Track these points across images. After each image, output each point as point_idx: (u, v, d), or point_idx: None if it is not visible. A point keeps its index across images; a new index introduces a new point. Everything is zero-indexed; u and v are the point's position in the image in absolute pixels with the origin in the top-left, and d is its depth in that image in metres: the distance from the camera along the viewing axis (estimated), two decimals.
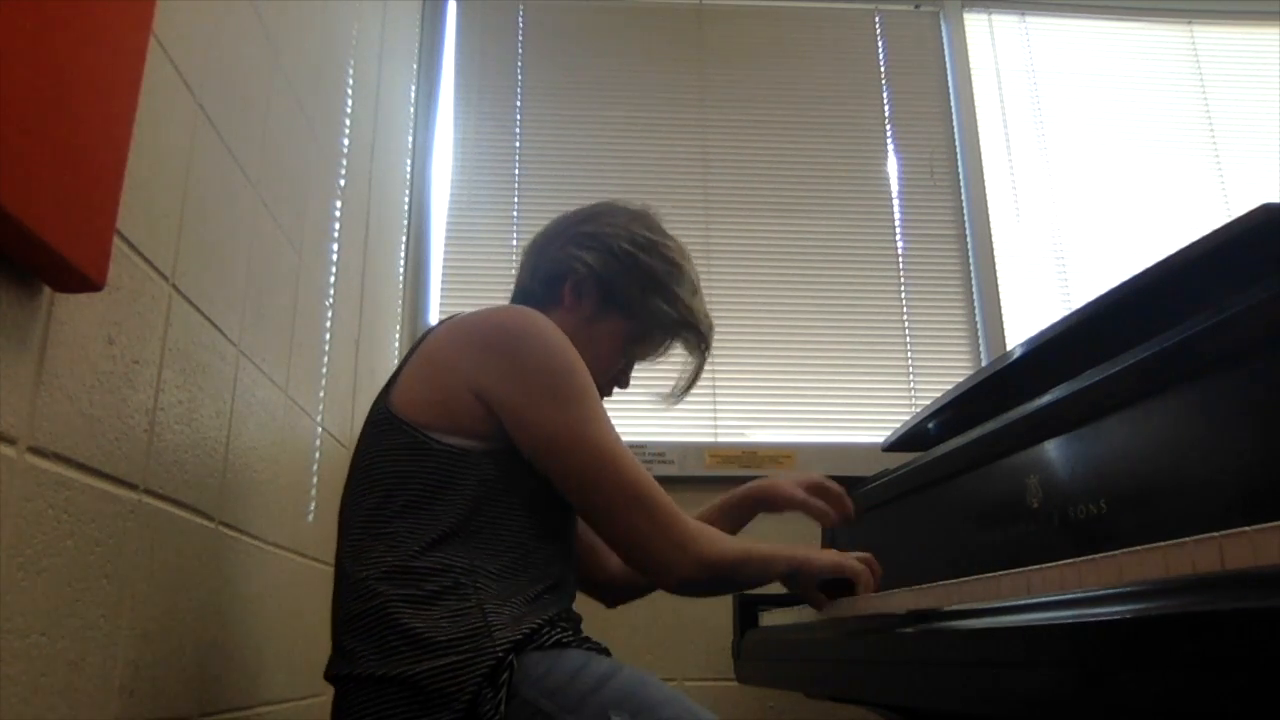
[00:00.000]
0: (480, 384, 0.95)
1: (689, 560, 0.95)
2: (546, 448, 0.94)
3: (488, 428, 0.95)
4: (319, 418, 1.46)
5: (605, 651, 0.95)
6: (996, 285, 2.33)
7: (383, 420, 0.98)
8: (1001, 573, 0.78)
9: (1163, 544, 0.59)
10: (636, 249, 1.11)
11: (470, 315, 1.02)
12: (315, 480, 1.44)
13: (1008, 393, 1.11)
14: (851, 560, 1.12)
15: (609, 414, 0.99)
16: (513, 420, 0.95)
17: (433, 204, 2.31)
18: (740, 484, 1.27)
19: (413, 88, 2.30)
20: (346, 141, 1.61)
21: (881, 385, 2.26)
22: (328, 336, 1.51)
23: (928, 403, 1.46)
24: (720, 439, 2.17)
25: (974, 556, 1.11)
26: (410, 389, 0.98)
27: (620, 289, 1.11)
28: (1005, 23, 2.58)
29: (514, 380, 0.95)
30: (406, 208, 2.23)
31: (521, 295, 1.16)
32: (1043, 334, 1.10)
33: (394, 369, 1.05)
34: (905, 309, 2.32)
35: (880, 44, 2.52)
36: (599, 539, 1.03)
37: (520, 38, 2.44)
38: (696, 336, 1.16)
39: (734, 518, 1.25)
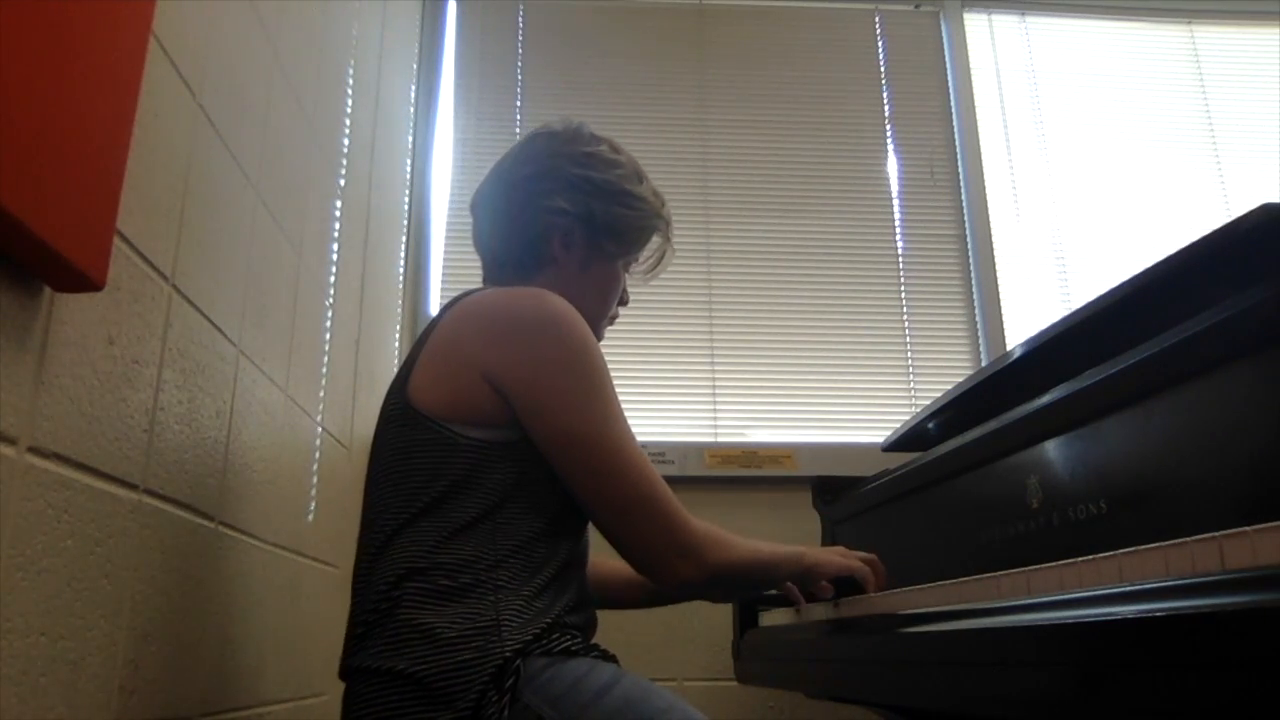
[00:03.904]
0: (495, 372, 0.94)
1: (691, 566, 0.95)
2: (560, 442, 0.94)
3: (507, 416, 0.94)
4: (319, 418, 1.46)
5: (612, 659, 0.95)
6: (996, 285, 2.33)
7: (402, 415, 0.97)
8: (1001, 573, 0.78)
9: (1163, 544, 0.59)
10: (586, 170, 1.09)
11: (482, 299, 1.00)
12: (315, 480, 1.44)
13: (1008, 393, 1.11)
14: (857, 562, 1.12)
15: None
16: (527, 412, 0.94)
17: (433, 204, 2.31)
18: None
19: (413, 88, 2.30)
20: (346, 141, 1.61)
21: (881, 385, 2.26)
22: (328, 336, 1.51)
23: (928, 403, 1.46)
24: (720, 439, 2.17)
25: (974, 556, 1.11)
26: (426, 381, 0.97)
27: (597, 217, 1.09)
28: (1005, 23, 2.58)
29: (531, 371, 0.94)
30: (406, 208, 2.23)
31: (512, 267, 1.11)
32: (1043, 334, 1.10)
33: (402, 360, 1.03)
34: (905, 309, 2.32)
35: (880, 44, 2.52)
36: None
37: (520, 38, 2.44)
38: (663, 224, 1.16)
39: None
